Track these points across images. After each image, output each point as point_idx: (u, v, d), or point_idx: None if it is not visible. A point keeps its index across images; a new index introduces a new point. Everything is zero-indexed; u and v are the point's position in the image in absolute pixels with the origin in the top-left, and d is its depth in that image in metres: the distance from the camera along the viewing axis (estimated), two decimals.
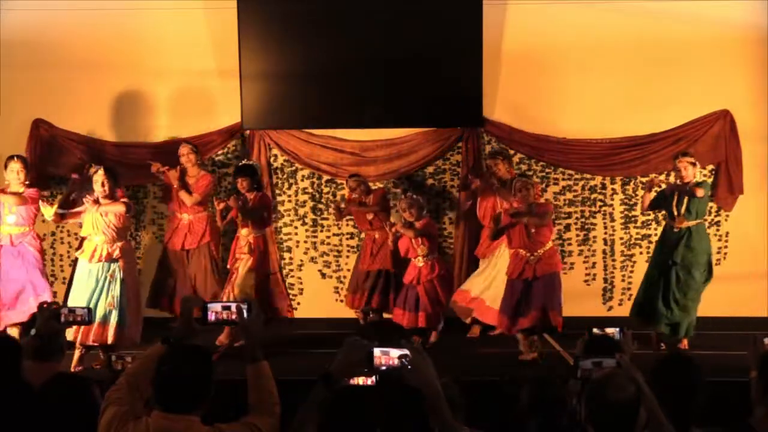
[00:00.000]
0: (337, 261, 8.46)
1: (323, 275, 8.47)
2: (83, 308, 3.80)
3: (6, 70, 8.24)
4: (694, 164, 6.88)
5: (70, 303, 6.48)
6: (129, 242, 7.02)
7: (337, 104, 8.21)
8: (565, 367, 5.92)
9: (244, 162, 7.57)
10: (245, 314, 3.17)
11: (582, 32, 8.09)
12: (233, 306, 3.17)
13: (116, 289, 6.57)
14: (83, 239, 6.92)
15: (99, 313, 6.42)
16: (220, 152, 8.40)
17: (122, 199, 6.70)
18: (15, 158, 6.99)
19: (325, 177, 8.42)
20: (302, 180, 8.44)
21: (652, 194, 7.10)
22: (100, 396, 3.11)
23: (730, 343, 6.80)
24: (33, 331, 3.73)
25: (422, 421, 2.94)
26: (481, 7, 7.89)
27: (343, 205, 7.90)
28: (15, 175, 6.89)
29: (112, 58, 8.21)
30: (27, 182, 6.97)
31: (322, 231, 8.46)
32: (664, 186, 7.11)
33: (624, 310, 8.13)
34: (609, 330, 3.89)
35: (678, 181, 6.92)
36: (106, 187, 6.59)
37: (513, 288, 6.71)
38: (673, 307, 6.79)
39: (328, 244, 8.47)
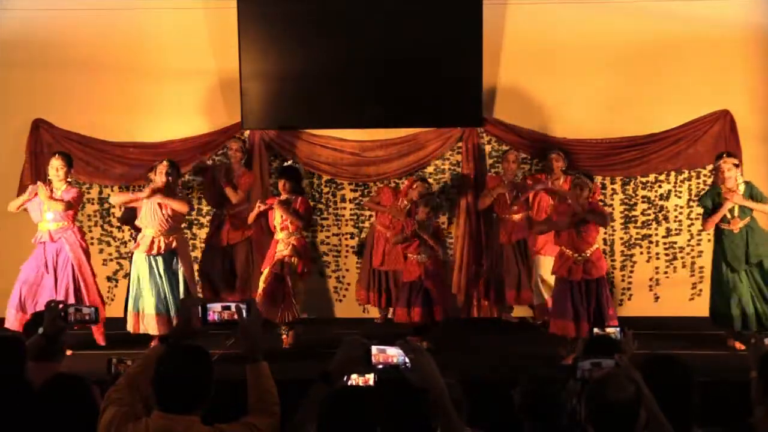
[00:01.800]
0: (337, 261, 8.47)
1: (322, 275, 8.47)
2: (89, 307, 3.78)
3: (6, 70, 8.24)
4: (737, 165, 6.83)
5: (135, 299, 6.82)
6: (183, 233, 7.14)
7: (337, 104, 8.20)
8: (564, 367, 5.93)
9: (288, 164, 7.56)
10: (244, 314, 3.17)
11: (582, 32, 8.09)
12: (233, 306, 3.17)
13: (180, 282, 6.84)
14: (137, 234, 7.09)
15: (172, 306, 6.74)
16: (220, 152, 8.39)
17: (184, 198, 6.98)
18: (57, 155, 7.05)
19: (325, 177, 8.42)
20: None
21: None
22: (100, 396, 3.11)
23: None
24: (40, 330, 3.71)
25: (423, 421, 2.93)
26: (481, 7, 7.89)
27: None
28: (55, 172, 6.93)
29: (112, 58, 8.22)
30: (68, 180, 7.03)
31: (321, 231, 8.46)
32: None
33: (624, 310, 8.14)
34: (609, 330, 3.90)
35: (720, 183, 6.86)
36: (170, 179, 6.80)
37: (564, 288, 6.54)
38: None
39: (328, 244, 8.47)
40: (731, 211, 6.82)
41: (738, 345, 6.77)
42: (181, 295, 6.80)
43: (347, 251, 8.45)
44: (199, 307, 3.22)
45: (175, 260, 6.90)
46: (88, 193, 8.41)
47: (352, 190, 8.42)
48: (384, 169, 8.24)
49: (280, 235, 7.06)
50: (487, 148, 8.32)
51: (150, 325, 6.78)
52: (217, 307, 3.18)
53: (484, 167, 8.28)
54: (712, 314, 7.03)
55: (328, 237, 8.46)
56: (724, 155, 6.94)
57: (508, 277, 7.80)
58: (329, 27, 8.07)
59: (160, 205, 6.82)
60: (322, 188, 8.45)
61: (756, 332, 6.71)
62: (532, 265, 7.75)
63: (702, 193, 7.55)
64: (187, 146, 8.27)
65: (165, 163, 6.91)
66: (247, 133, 8.33)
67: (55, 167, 6.93)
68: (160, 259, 6.83)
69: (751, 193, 6.83)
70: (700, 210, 7.24)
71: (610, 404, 2.75)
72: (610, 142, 8.18)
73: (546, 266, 7.40)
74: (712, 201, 6.90)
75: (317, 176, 8.42)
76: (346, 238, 8.45)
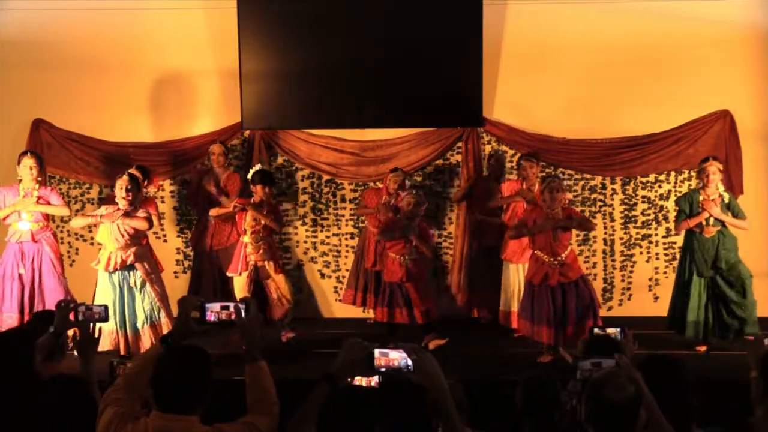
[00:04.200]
0: (337, 261, 8.47)
1: (323, 275, 8.47)
2: (100, 306, 3.77)
3: (6, 70, 8.24)
4: (722, 171, 6.78)
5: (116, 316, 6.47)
6: (142, 246, 6.78)
7: (337, 104, 8.21)
8: (565, 367, 5.93)
9: (263, 168, 7.33)
10: (243, 314, 3.17)
11: (582, 32, 8.09)
12: (231, 306, 3.17)
13: (149, 297, 6.53)
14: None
15: (129, 322, 6.47)
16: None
17: (143, 214, 6.55)
18: (28, 154, 6.92)
19: (325, 177, 8.42)
20: (302, 180, 8.45)
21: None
22: (99, 396, 3.11)
23: (731, 343, 6.81)
24: (51, 329, 3.70)
25: (423, 420, 2.93)
26: (481, 7, 7.90)
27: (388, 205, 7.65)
28: (28, 170, 6.81)
29: (112, 58, 8.22)
30: (39, 179, 6.90)
31: (321, 231, 8.46)
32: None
33: (624, 310, 8.14)
34: (610, 330, 3.89)
35: (702, 186, 6.82)
36: (130, 195, 6.48)
37: (540, 295, 6.45)
38: (737, 312, 6.74)
39: (328, 244, 8.47)
40: (707, 218, 6.79)
41: (701, 348, 6.83)
42: (155, 304, 6.55)
43: (347, 251, 8.44)
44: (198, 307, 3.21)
45: (137, 276, 6.56)
46: (88, 192, 8.43)
47: (352, 190, 8.42)
48: (384, 169, 8.23)
49: (247, 239, 7.00)
50: (487, 148, 8.31)
51: (146, 341, 6.45)
52: (215, 306, 3.17)
53: (483, 167, 8.28)
54: (669, 318, 6.99)
55: (328, 237, 8.46)
56: (710, 158, 6.89)
57: (475, 286, 7.83)
58: (329, 27, 8.07)
59: (117, 224, 6.48)
60: (322, 188, 8.45)
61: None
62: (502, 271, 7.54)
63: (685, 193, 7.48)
64: (187, 146, 8.29)
65: (125, 178, 6.52)
66: (246, 133, 8.34)
67: (29, 166, 6.78)
68: (118, 276, 6.51)
69: (729, 205, 6.79)
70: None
71: (610, 404, 2.74)
72: (610, 142, 8.18)
73: (513, 274, 7.40)
74: (690, 205, 6.86)
75: (317, 176, 8.43)
76: (346, 238, 8.45)
